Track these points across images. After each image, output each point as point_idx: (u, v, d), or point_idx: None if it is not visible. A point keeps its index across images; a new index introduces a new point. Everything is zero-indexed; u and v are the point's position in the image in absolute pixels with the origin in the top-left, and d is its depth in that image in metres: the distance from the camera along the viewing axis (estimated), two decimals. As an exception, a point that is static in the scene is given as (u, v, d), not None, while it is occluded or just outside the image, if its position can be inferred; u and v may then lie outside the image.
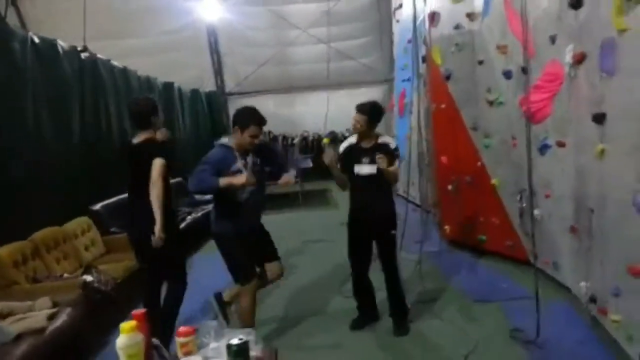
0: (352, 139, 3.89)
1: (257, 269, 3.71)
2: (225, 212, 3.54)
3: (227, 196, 3.44)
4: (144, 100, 3.73)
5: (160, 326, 3.29)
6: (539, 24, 4.10)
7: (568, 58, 3.62)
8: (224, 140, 3.54)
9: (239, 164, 3.44)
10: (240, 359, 1.50)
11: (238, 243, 3.49)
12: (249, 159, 3.53)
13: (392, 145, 3.79)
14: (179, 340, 1.72)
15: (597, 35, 3.15)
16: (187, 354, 1.70)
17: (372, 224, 3.79)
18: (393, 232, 3.83)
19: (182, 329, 1.74)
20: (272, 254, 3.80)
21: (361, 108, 3.72)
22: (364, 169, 3.71)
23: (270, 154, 3.88)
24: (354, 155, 3.79)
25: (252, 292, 3.58)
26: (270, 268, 3.77)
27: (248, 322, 3.53)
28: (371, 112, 3.73)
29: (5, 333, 2.93)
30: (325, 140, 6.20)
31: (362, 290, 4.04)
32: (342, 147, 3.93)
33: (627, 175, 2.87)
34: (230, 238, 3.48)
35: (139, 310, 1.72)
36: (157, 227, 3.32)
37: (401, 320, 3.94)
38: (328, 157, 3.77)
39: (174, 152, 8.54)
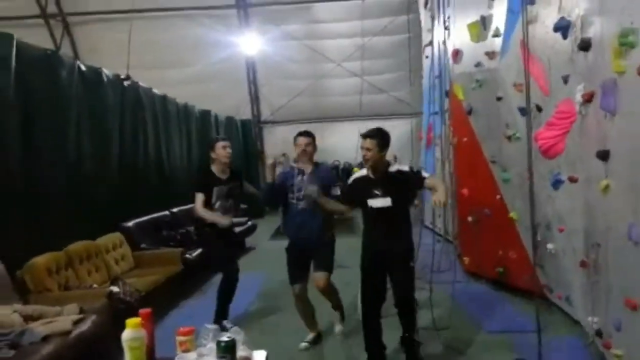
0: (363, 172, 3.73)
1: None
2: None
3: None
4: None
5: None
6: (553, 64, 4.22)
7: (579, 97, 3.72)
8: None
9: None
10: (227, 354, 1.67)
11: (288, 250, 4.18)
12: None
13: (406, 168, 3.64)
14: (178, 338, 1.90)
15: (601, 76, 3.26)
16: (185, 351, 1.88)
17: (389, 258, 3.59)
18: (412, 264, 3.62)
19: (182, 329, 1.92)
20: (318, 264, 4.10)
21: (368, 133, 3.56)
22: (377, 202, 3.55)
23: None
24: (365, 188, 3.62)
25: (298, 295, 4.10)
26: (313, 277, 4.13)
27: (304, 321, 4.28)
28: (379, 136, 3.55)
29: (34, 334, 3.17)
30: (355, 169, 6.43)
31: (373, 339, 3.72)
32: (351, 179, 3.85)
33: (626, 210, 2.93)
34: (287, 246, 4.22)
35: (145, 310, 1.92)
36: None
37: (411, 354, 3.71)
38: (312, 194, 3.82)
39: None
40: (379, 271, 3.66)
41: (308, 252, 4.12)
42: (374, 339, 3.70)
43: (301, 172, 4.13)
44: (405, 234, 3.65)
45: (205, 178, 4.70)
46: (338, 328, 4.45)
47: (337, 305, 4.46)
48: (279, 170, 4.23)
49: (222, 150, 4.63)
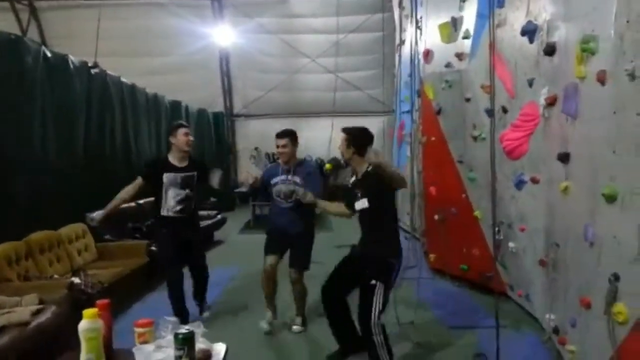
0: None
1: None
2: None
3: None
4: None
5: None
6: (519, 67, 4.31)
7: (542, 100, 3.82)
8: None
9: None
10: (185, 347, 1.67)
11: (268, 233, 4.43)
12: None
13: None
14: (136, 330, 1.88)
15: (564, 80, 3.35)
16: (144, 343, 1.86)
17: (361, 267, 3.40)
18: (373, 282, 3.25)
19: (140, 321, 1.91)
20: (294, 259, 4.31)
21: (343, 129, 3.62)
22: (358, 204, 3.46)
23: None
24: (351, 190, 3.59)
25: (267, 269, 4.27)
26: (288, 271, 4.34)
27: (265, 298, 4.42)
28: (354, 132, 3.55)
29: (-10, 324, 3.09)
30: (327, 166, 6.43)
31: (335, 315, 3.71)
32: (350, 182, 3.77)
33: (583, 211, 3.03)
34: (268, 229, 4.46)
35: (103, 301, 1.90)
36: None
37: None
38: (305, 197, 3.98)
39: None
40: (350, 271, 3.57)
41: (288, 238, 4.30)
42: (334, 320, 3.72)
43: (285, 171, 4.27)
44: (384, 241, 3.41)
45: (153, 163, 4.60)
46: (296, 328, 4.44)
47: (300, 310, 4.50)
48: (253, 168, 4.33)
49: (182, 137, 4.48)
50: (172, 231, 4.43)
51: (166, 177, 4.40)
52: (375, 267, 3.33)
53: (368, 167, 3.41)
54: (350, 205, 3.61)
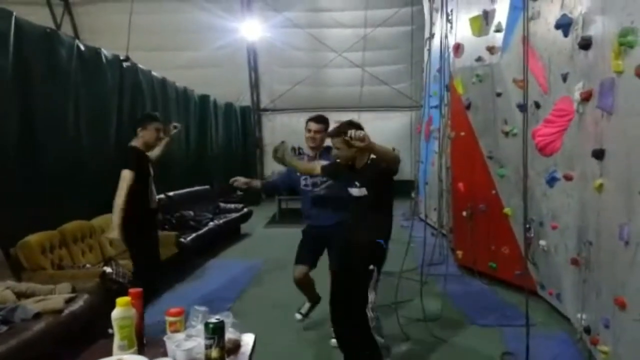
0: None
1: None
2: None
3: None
4: None
5: None
6: (553, 61, 4.22)
7: (577, 95, 3.73)
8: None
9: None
10: (215, 336, 1.69)
11: (304, 232, 4.10)
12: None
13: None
14: (167, 319, 1.92)
15: (600, 75, 3.27)
16: (175, 332, 1.90)
17: (349, 257, 3.36)
18: (371, 267, 3.19)
19: (172, 310, 1.94)
20: (331, 260, 3.90)
21: (333, 133, 3.38)
22: (355, 191, 3.33)
23: None
24: (346, 176, 3.43)
25: (297, 278, 3.96)
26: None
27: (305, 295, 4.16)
28: (346, 129, 3.08)
29: (26, 311, 3.19)
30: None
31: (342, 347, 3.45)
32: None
33: (618, 209, 2.95)
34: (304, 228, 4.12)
35: (135, 289, 1.94)
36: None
37: None
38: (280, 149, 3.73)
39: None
40: (344, 268, 3.42)
41: (322, 240, 3.91)
42: (343, 347, 3.43)
43: (311, 157, 4.00)
44: (377, 226, 3.32)
45: (139, 156, 4.14)
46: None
47: None
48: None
49: (153, 133, 4.20)
50: (149, 239, 4.28)
51: (151, 166, 4.28)
52: (367, 252, 3.25)
53: (368, 160, 3.27)
54: (332, 176, 3.60)
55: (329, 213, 3.84)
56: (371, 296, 3.20)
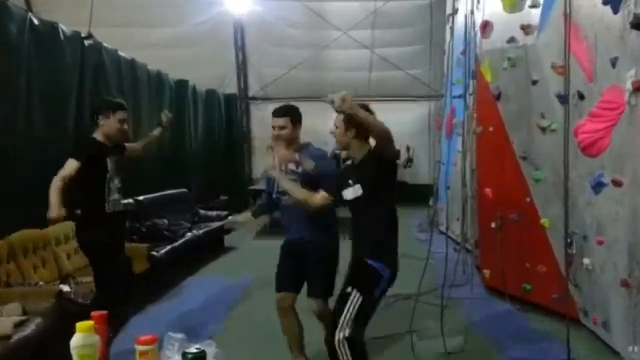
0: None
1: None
2: None
3: None
4: None
5: None
6: (600, 43, 4.23)
7: (629, 84, 3.74)
8: None
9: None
10: (195, 368, 1.69)
11: (282, 248, 3.96)
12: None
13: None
14: (138, 348, 1.91)
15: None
16: (146, 363, 1.89)
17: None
18: (348, 289, 3.16)
19: (143, 337, 1.93)
20: (311, 286, 3.81)
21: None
22: (348, 192, 3.34)
23: None
24: (341, 176, 3.51)
25: (280, 307, 3.83)
26: (308, 301, 3.82)
27: (287, 340, 3.89)
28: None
29: (-33, 337, 3.19)
30: None
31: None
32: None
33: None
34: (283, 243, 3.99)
35: (100, 312, 1.93)
36: None
37: None
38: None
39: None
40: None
41: (302, 257, 3.83)
42: None
43: (296, 165, 3.85)
44: (373, 240, 3.28)
45: (87, 144, 4.18)
46: None
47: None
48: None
49: (116, 124, 4.18)
50: (113, 234, 4.26)
51: (109, 161, 4.20)
52: (356, 270, 3.26)
53: (367, 152, 3.29)
54: (336, 195, 3.47)
55: (298, 223, 3.81)
56: (345, 332, 3.08)
